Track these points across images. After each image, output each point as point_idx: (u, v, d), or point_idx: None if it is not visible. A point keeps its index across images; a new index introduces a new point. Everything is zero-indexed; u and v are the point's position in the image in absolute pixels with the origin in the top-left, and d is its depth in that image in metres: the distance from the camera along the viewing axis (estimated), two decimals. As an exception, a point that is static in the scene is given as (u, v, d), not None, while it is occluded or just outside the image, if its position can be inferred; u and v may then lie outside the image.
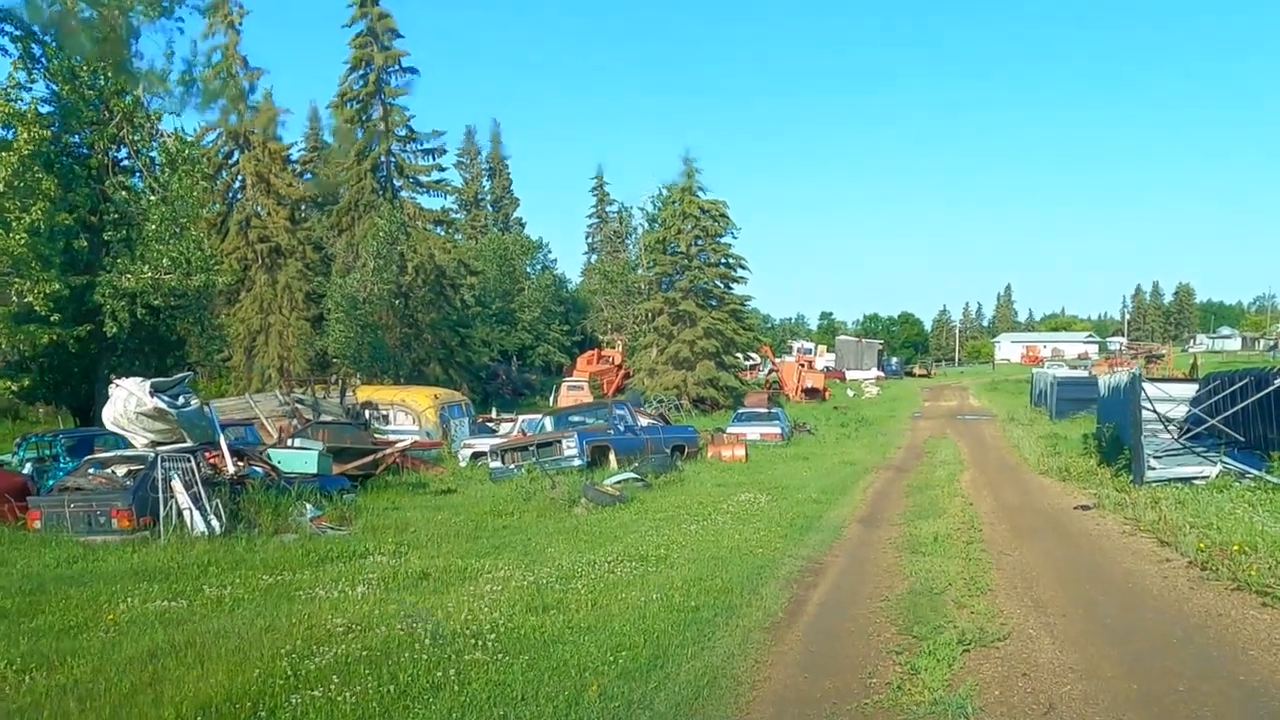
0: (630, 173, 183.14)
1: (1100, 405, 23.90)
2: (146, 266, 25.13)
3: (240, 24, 38.88)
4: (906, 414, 44.54)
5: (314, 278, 41.34)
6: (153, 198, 25.76)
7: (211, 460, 13.23)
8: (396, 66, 42.86)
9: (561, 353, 61.35)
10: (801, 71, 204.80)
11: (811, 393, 55.65)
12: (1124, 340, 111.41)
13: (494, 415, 34.20)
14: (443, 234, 45.94)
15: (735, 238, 48.70)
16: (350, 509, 14.12)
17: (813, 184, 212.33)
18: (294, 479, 14.49)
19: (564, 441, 18.98)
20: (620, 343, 58.38)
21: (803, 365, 61.87)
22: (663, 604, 7.52)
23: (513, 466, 19.43)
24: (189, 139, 28.49)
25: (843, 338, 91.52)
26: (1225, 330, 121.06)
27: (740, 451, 23.44)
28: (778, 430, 28.53)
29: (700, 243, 48.26)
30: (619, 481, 16.34)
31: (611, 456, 19.59)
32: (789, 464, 22.80)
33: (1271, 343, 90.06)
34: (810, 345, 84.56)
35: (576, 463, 18.78)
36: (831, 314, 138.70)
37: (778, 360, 66.07)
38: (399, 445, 19.95)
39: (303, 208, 43.92)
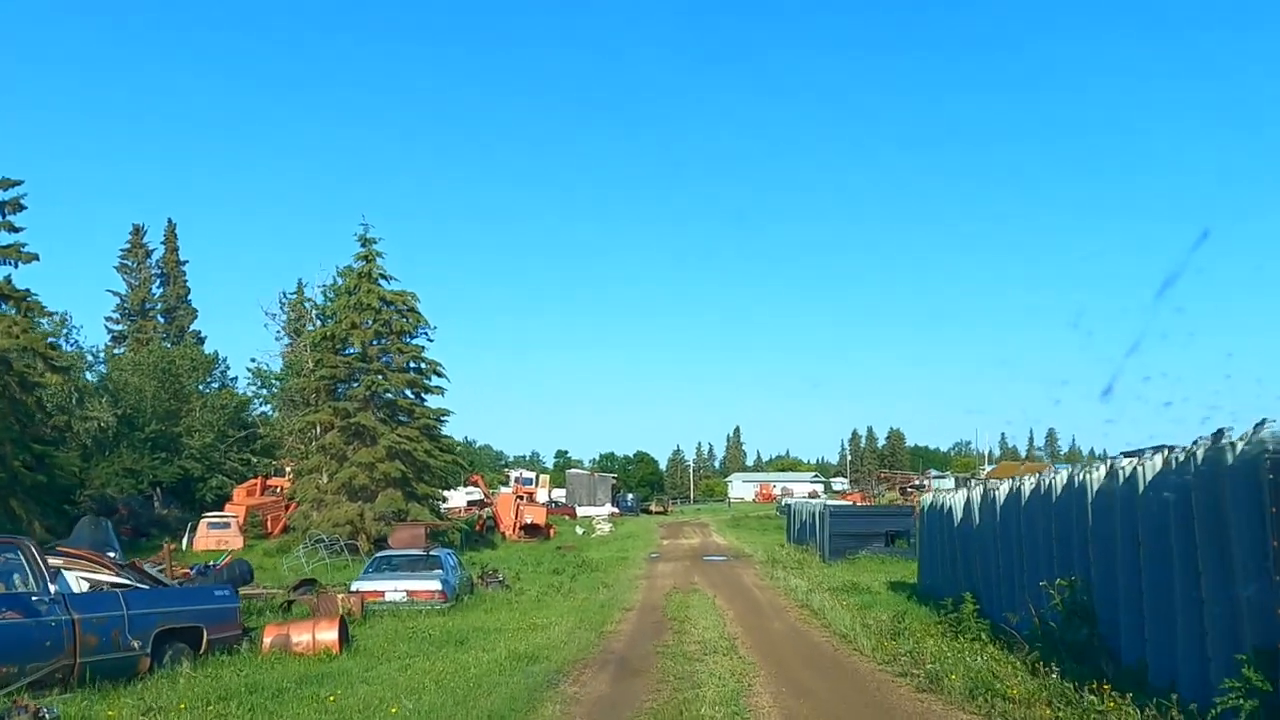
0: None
1: (945, 539, 15.11)
2: None
3: None
4: (642, 555, 34.93)
5: None
6: None
7: None
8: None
9: (242, 485, 48.01)
10: (525, 213, 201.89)
11: (532, 530, 45.68)
12: (845, 480, 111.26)
13: None
14: (12, 313, 32.14)
15: (430, 339, 38.29)
16: None
17: (545, 325, 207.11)
18: None
19: None
20: (290, 469, 46.21)
21: (521, 498, 51.23)
22: None
23: None
24: None
25: (574, 471, 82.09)
26: (934, 471, 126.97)
27: (331, 635, 12.14)
28: (436, 586, 17.19)
29: (383, 341, 37.29)
30: None
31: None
32: (420, 658, 11.74)
33: (980, 484, 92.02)
34: (531, 475, 74.08)
35: None
36: (567, 452, 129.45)
37: (492, 493, 55.09)
38: None
39: None
